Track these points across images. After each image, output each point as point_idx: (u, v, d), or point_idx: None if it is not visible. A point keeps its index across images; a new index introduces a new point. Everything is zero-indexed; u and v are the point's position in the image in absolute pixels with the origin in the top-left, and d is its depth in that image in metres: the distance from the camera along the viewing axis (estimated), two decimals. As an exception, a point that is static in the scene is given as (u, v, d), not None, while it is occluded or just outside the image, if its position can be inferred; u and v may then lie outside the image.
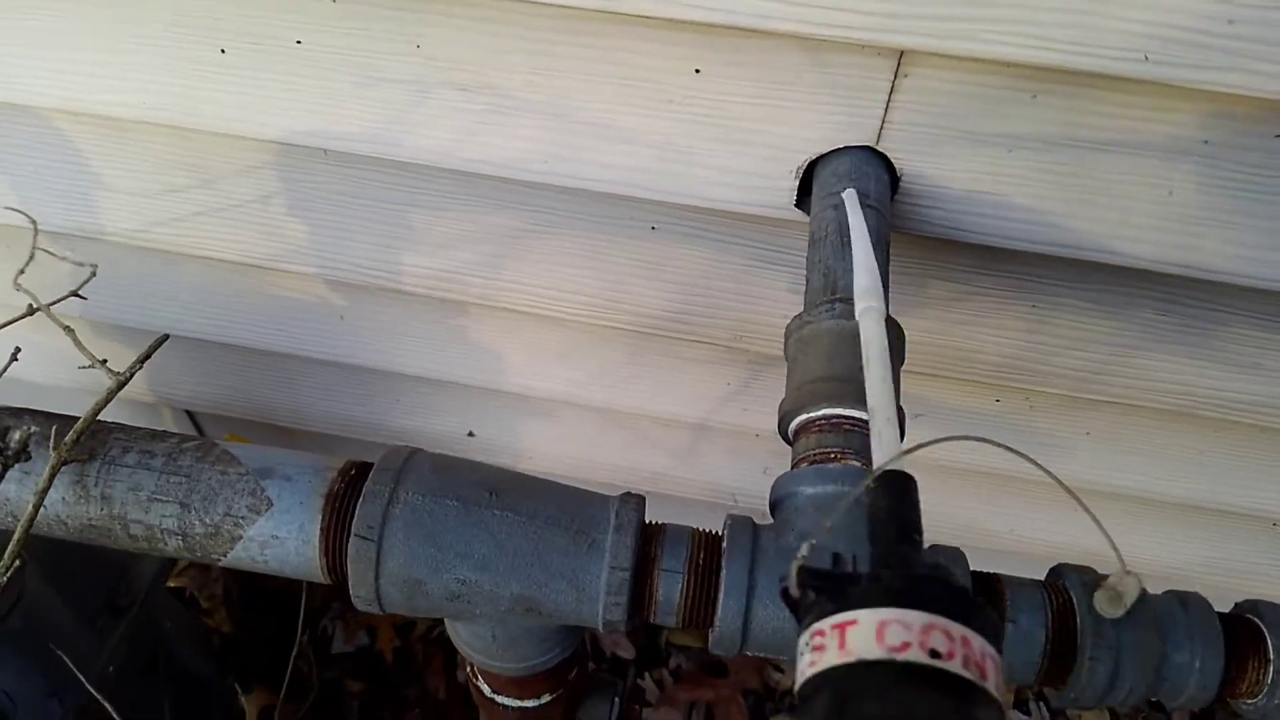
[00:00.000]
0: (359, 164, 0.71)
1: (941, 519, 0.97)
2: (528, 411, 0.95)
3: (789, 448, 0.51)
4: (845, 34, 0.53)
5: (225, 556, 0.50)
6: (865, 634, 0.26)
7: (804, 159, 0.62)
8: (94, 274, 0.66)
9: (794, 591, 0.28)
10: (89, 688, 0.69)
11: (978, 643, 0.25)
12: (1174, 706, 0.50)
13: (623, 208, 0.70)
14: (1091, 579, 0.47)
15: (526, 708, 0.62)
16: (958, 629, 0.25)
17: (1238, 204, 0.59)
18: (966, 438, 0.32)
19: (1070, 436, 0.83)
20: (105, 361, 0.52)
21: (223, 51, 0.64)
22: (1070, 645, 0.46)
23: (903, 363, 0.55)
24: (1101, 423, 0.81)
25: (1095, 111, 0.56)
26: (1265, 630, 0.47)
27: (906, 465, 0.32)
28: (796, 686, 0.28)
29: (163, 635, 0.91)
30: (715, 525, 0.50)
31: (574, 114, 0.62)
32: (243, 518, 0.49)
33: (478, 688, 0.62)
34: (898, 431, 0.37)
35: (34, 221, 0.70)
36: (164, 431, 0.52)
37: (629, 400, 0.89)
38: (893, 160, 0.60)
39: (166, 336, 0.55)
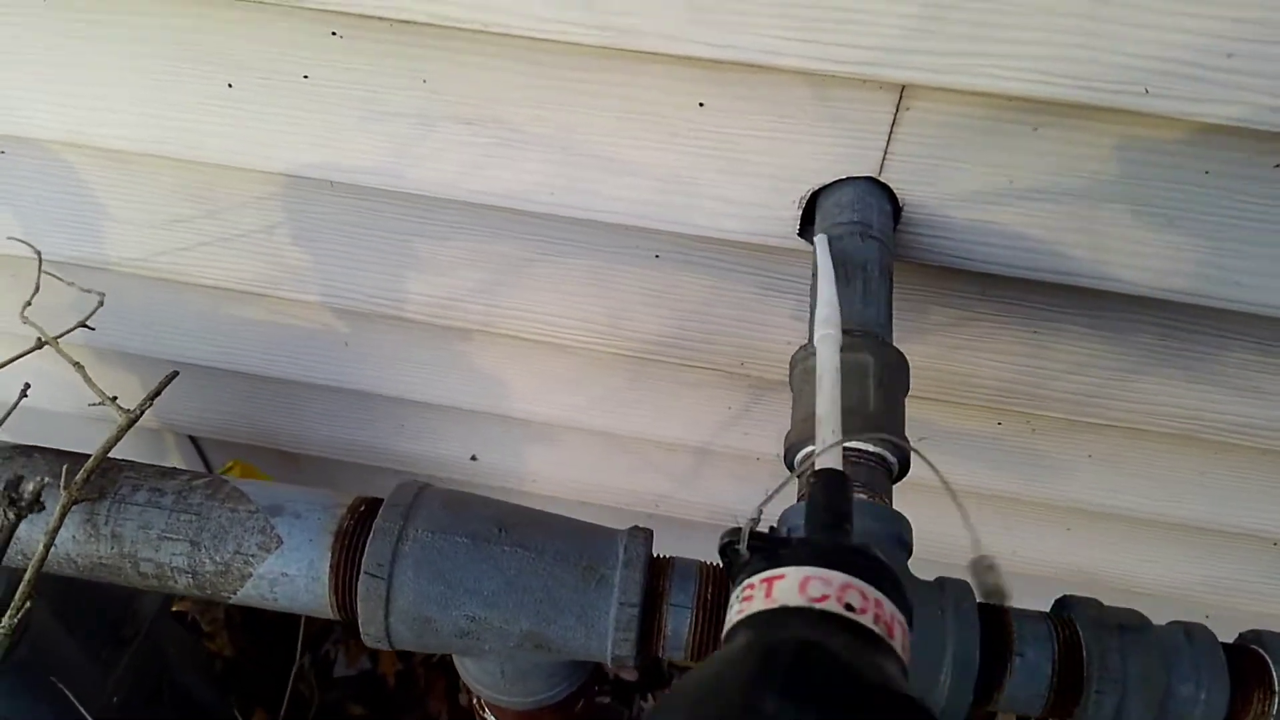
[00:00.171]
0: (365, 195, 0.71)
1: (944, 542, 0.97)
2: (531, 436, 0.95)
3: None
4: (848, 69, 0.54)
5: (235, 594, 0.50)
6: (790, 586, 0.28)
7: (807, 190, 0.62)
8: (101, 303, 0.66)
9: (743, 551, 0.31)
10: (93, 720, 0.68)
11: (889, 606, 0.28)
12: (1180, 737, 0.51)
13: (627, 237, 0.70)
14: (1097, 613, 0.47)
15: (534, 739, 0.62)
16: (873, 592, 0.28)
17: (1238, 233, 0.59)
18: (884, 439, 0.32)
19: (1072, 459, 0.83)
20: (115, 399, 0.52)
21: (230, 86, 0.64)
22: (1077, 678, 0.46)
23: (907, 391, 0.55)
24: (1103, 445, 0.81)
25: (1096, 144, 0.57)
26: (1270, 661, 0.48)
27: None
28: (724, 633, 0.30)
29: (167, 663, 0.91)
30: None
31: (580, 147, 0.63)
32: (253, 555, 0.49)
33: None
34: (840, 435, 0.39)
35: (38, 252, 0.71)
36: (174, 469, 0.53)
37: (632, 425, 0.89)
38: (895, 191, 0.61)
39: (176, 373, 0.55)
